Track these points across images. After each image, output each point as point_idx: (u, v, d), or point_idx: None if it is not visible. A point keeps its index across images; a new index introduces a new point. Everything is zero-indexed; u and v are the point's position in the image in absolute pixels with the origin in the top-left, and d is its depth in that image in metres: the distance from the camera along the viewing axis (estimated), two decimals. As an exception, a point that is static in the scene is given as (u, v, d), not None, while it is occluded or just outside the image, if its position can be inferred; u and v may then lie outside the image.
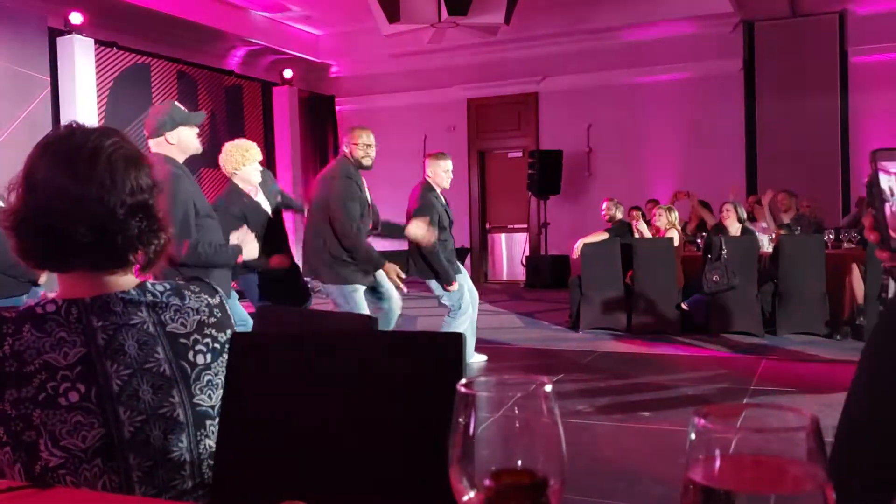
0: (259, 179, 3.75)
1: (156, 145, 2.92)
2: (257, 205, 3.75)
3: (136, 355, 1.05)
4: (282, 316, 1.64)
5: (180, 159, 2.94)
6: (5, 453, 1.00)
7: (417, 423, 0.99)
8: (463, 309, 4.68)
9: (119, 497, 0.98)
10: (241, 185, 3.70)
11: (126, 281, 1.10)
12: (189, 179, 2.90)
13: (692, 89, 9.30)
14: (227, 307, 1.17)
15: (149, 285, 1.11)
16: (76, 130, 1.10)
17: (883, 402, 0.85)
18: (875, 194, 0.84)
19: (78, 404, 1.01)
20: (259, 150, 3.81)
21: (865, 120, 8.59)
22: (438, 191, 4.64)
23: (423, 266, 4.60)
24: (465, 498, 0.48)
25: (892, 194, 0.84)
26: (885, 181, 0.84)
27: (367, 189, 4.05)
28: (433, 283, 4.64)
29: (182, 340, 1.09)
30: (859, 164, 8.69)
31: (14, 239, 1.07)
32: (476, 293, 4.90)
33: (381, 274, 4.06)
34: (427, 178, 4.66)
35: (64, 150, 1.07)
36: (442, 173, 4.60)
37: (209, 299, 1.14)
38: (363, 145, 3.98)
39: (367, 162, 3.99)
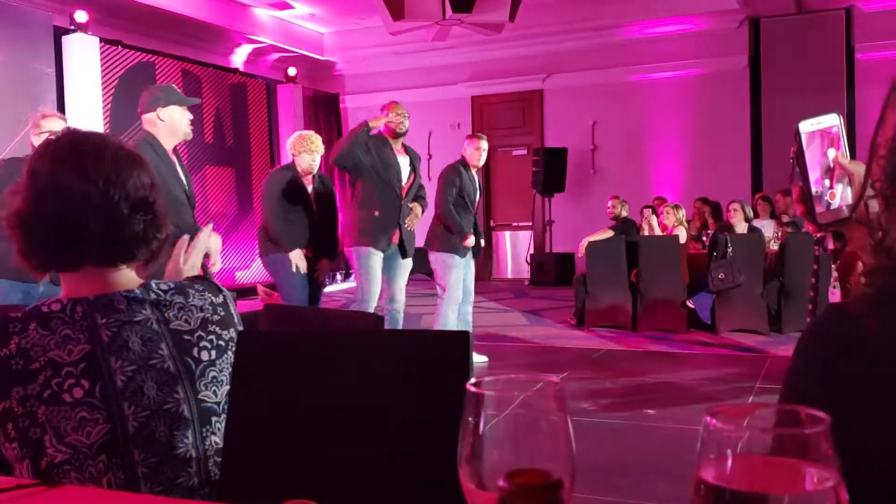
0: (313, 169, 4.12)
1: (146, 122, 2.98)
2: (301, 186, 4.11)
3: (141, 351, 1.06)
4: (288, 314, 1.64)
5: (169, 141, 2.98)
6: (13, 449, 1.01)
7: (424, 422, 0.99)
8: (453, 295, 4.73)
9: (126, 495, 0.99)
10: (298, 171, 4.11)
11: (130, 280, 1.12)
12: (161, 160, 2.90)
13: (698, 86, 9.27)
14: (231, 306, 1.18)
15: (153, 284, 1.12)
16: (76, 132, 1.13)
17: None
18: (801, 167, 0.84)
19: (82, 400, 1.02)
20: (321, 145, 4.16)
21: (872, 117, 8.35)
22: (472, 169, 4.89)
23: (434, 235, 4.78)
24: (476, 497, 0.48)
25: (815, 164, 0.83)
26: (809, 152, 0.84)
27: (396, 157, 4.32)
28: (438, 256, 4.75)
29: (186, 337, 1.09)
30: (866, 162, 8.63)
31: (21, 240, 1.08)
32: (471, 289, 4.92)
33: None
34: (463, 154, 4.93)
35: (67, 150, 1.09)
36: (473, 150, 4.86)
37: (213, 298, 1.16)
38: (393, 114, 4.31)
39: (400, 129, 4.29)
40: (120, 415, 1.02)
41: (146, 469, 1.03)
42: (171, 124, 2.96)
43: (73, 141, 1.11)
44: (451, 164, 4.90)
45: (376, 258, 4.21)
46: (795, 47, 8.85)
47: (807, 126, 0.84)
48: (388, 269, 4.32)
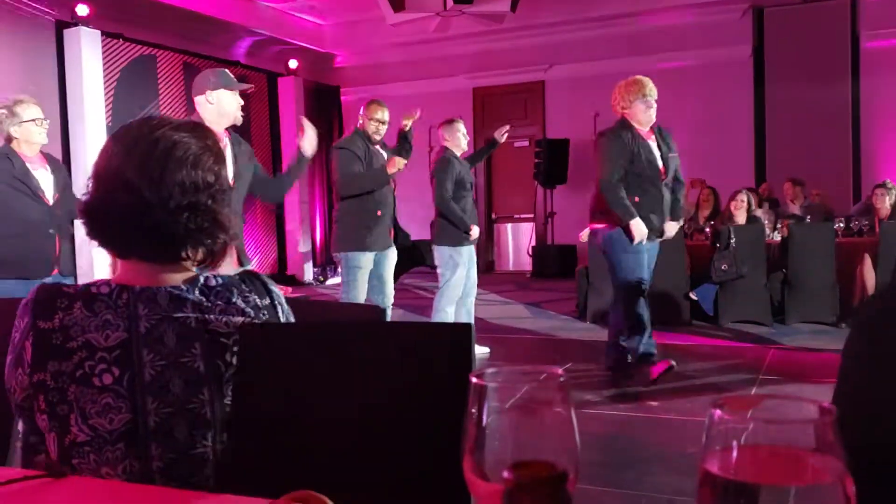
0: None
1: (197, 104, 3.07)
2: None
3: (174, 348, 1.06)
4: (291, 307, 1.64)
5: (218, 124, 3.00)
6: (43, 420, 1.04)
7: (427, 414, 0.99)
8: (452, 291, 4.71)
9: (131, 486, 0.99)
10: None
11: (180, 276, 1.11)
12: None
13: (701, 76, 9.22)
14: (278, 308, 1.16)
15: (201, 280, 1.11)
16: (147, 121, 1.11)
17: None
18: None
19: (110, 387, 1.03)
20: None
21: (877, 106, 8.50)
22: (458, 153, 4.81)
23: (437, 229, 4.75)
24: (479, 489, 0.48)
25: None
26: None
27: (381, 153, 4.30)
28: (440, 250, 4.74)
29: (222, 339, 1.08)
30: (871, 151, 8.60)
31: (85, 224, 1.10)
32: (475, 280, 4.91)
33: (385, 262, 4.24)
34: (445, 144, 4.82)
35: (126, 139, 1.09)
36: (460, 136, 4.76)
37: (258, 300, 1.13)
38: (376, 121, 4.26)
39: (377, 137, 4.29)
40: (143, 408, 1.03)
41: (162, 464, 1.03)
42: (219, 107, 3.02)
43: (135, 131, 1.09)
44: (440, 157, 4.73)
45: (369, 264, 4.18)
46: (800, 36, 8.80)
47: None
48: (382, 267, 4.28)
